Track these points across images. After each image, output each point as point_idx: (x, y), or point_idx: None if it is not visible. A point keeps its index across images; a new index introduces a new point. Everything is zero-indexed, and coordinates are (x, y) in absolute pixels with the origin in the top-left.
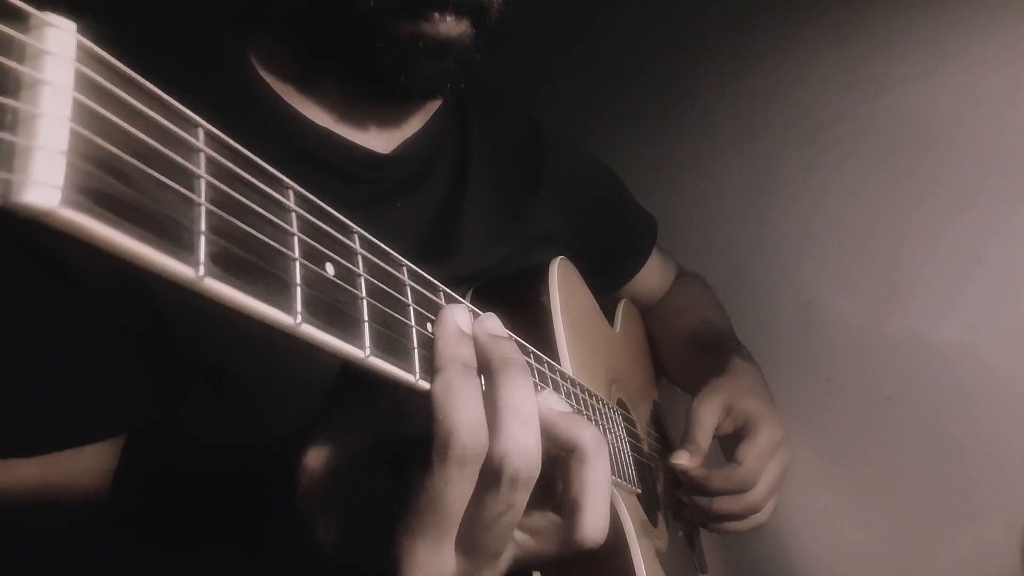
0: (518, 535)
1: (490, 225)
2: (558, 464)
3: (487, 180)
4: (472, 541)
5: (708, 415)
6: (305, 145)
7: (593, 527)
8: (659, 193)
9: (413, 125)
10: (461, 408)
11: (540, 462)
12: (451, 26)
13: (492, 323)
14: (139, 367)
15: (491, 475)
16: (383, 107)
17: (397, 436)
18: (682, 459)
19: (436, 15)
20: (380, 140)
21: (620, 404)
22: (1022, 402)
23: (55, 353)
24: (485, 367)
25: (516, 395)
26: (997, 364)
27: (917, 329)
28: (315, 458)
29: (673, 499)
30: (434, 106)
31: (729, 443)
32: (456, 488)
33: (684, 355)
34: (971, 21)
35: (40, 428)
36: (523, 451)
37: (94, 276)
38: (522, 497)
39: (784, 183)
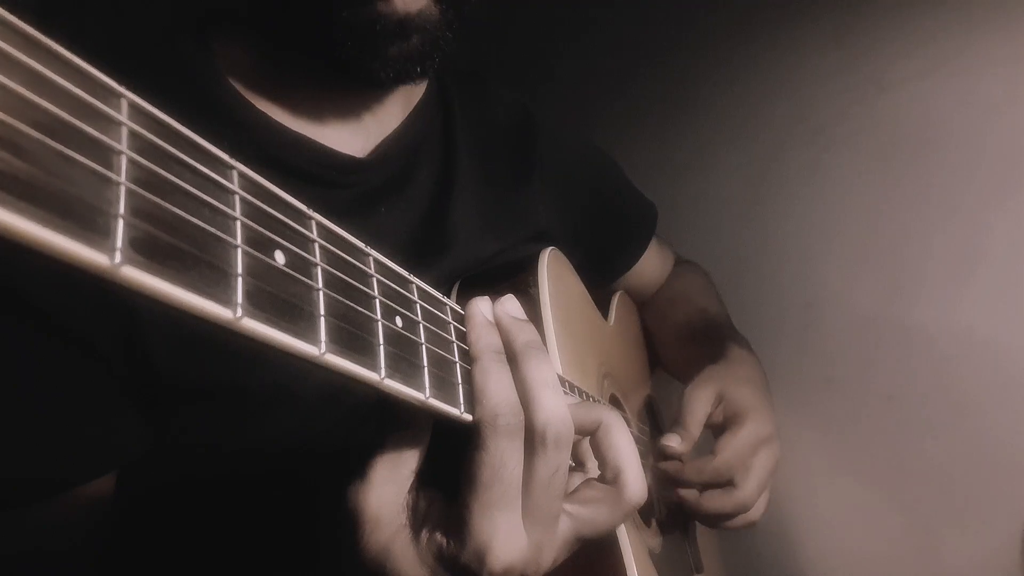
0: (574, 508)
1: (482, 220)
2: (590, 443)
3: (475, 173)
4: (534, 506)
5: (700, 403)
6: (278, 153)
7: (637, 484)
8: (658, 192)
9: (393, 120)
10: (502, 390)
11: (573, 425)
12: (408, 1)
13: (512, 306)
14: (125, 401)
15: (539, 443)
16: (357, 102)
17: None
18: (672, 442)
19: None
20: (358, 140)
21: (613, 400)
22: (1022, 402)
23: (40, 398)
24: (508, 347)
25: (544, 371)
26: (997, 364)
27: (917, 329)
28: (376, 504)
29: (667, 497)
30: (414, 99)
31: (720, 434)
32: (511, 457)
33: (679, 344)
34: (971, 21)
35: (31, 477)
36: (560, 416)
37: (70, 315)
38: (566, 456)
39: (784, 183)
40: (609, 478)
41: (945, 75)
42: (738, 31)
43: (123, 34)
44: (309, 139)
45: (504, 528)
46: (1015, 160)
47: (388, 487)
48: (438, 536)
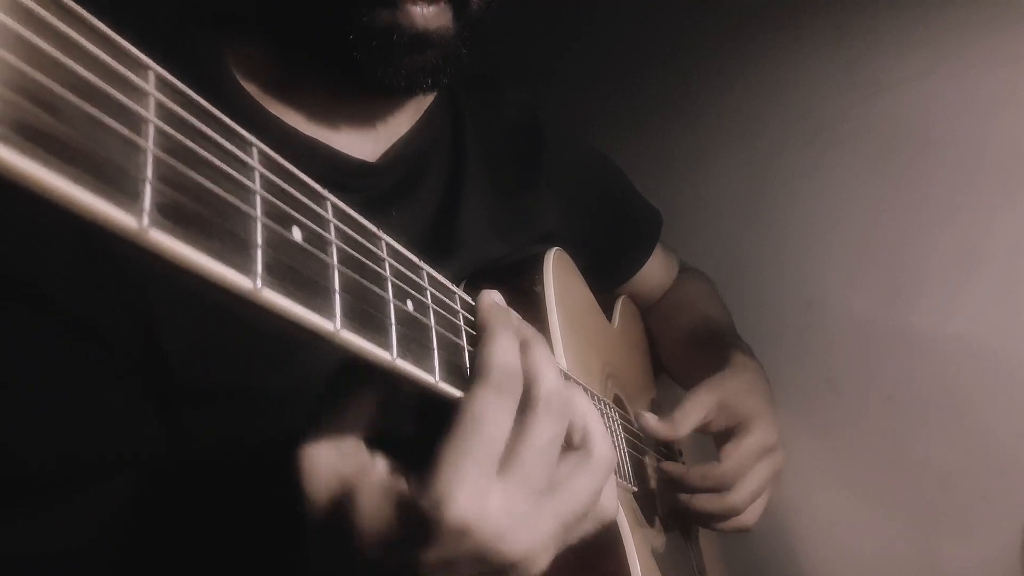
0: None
1: (489, 224)
2: None
3: (484, 176)
4: (522, 471)
5: (696, 406)
6: (291, 157)
7: (605, 437)
8: (659, 193)
9: (402, 126)
10: (501, 353)
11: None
12: (429, 17)
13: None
14: (143, 401)
15: (543, 408)
16: (368, 107)
17: (390, 433)
18: (649, 419)
19: (411, 5)
20: (368, 144)
21: (616, 400)
22: (1022, 403)
23: (56, 396)
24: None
25: (547, 352)
26: (997, 364)
27: (917, 329)
28: (318, 460)
29: (670, 498)
30: (424, 104)
31: (722, 441)
32: (495, 412)
33: (684, 351)
34: (971, 21)
35: (43, 472)
36: (560, 388)
37: (91, 313)
38: (563, 428)
39: (784, 183)
40: (577, 440)
41: (945, 75)
42: (738, 31)
43: (129, 32)
44: (321, 143)
45: (472, 481)
46: (1015, 160)
47: (331, 447)
48: (401, 479)
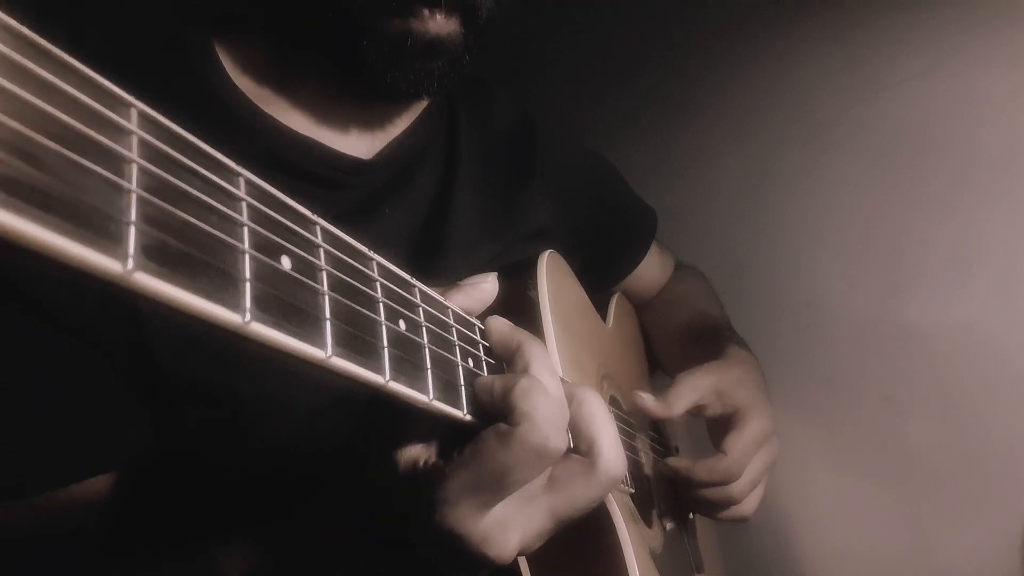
0: (550, 488)
1: (481, 222)
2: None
3: (477, 176)
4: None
5: (690, 387)
6: (285, 155)
7: (613, 452)
8: (657, 193)
9: (398, 126)
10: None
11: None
12: (441, 24)
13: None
14: (131, 399)
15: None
16: (367, 107)
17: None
18: (645, 399)
19: (426, 12)
20: (364, 143)
21: (612, 401)
22: (1020, 402)
23: (46, 394)
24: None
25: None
26: (996, 363)
27: (916, 329)
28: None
29: (668, 498)
30: (420, 106)
31: (717, 430)
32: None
33: (678, 346)
34: (970, 21)
35: (35, 469)
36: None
37: (76, 314)
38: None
39: (783, 183)
40: (584, 450)
41: (945, 75)
42: (736, 30)
43: (126, 36)
44: (315, 141)
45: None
46: (1014, 160)
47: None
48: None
